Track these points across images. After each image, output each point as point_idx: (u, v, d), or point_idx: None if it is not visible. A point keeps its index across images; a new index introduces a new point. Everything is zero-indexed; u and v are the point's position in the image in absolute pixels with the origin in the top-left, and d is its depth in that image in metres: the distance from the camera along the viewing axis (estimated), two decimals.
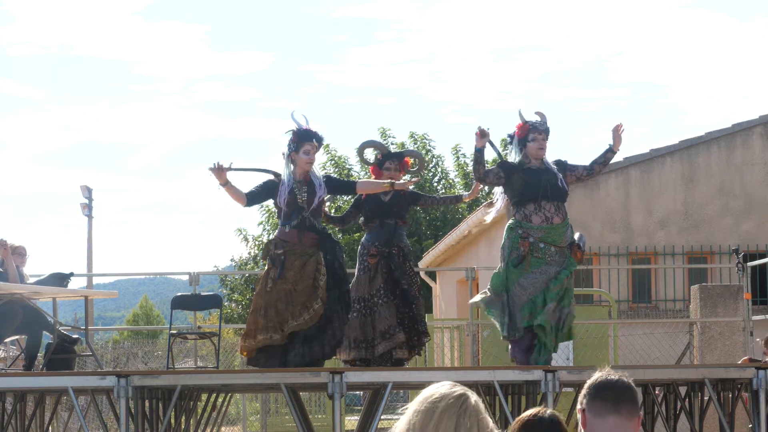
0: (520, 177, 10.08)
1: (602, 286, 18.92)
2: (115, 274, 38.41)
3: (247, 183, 10.33)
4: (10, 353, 18.50)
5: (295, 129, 10.11)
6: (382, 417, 10.43)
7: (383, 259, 10.80)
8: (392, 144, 34.18)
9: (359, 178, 26.07)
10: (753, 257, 16.16)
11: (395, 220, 10.92)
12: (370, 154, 11.53)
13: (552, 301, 9.94)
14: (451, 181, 35.30)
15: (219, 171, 9.85)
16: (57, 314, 12.61)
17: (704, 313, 15.49)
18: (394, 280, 10.77)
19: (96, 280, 28.29)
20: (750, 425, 10.51)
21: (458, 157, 35.59)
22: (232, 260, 38.97)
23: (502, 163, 10.31)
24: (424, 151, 35.08)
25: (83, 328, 14.13)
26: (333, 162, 34.45)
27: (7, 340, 13.54)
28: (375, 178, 10.95)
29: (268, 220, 34.80)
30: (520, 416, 3.74)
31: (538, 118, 10.28)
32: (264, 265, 10.32)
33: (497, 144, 10.43)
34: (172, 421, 11.02)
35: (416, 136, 35.62)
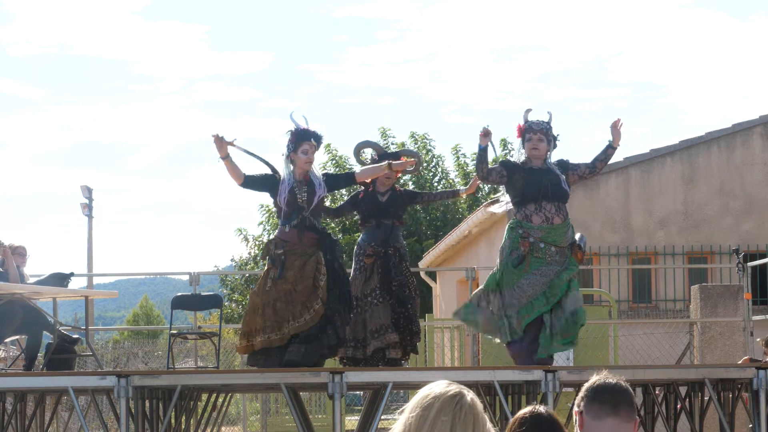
0: (521, 177, 10.08)
1: (602, 286, 18.92)
2: (116, 274, 38.54)
3: (249, 167, 10.28)
4: (10, 353, 18.50)
5: (293, 129, 10.11)
6: (382, 417, 10.42)
7: (379, 259, 10.80)
8: (392, 144, 34.18)
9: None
10: (753, 257, 16.17)
11: (392, 221, 10.92)
12: (367, 155, 11.52)
13: (557, 298, 9.91)
14: (451, 181, 35.30)
15: (221, 142, 9.85)
16: (57, 314, 12.61)
17: (704, 313, 15.49)
18: (390, 280, 10.76)
19: (96, 280, 28.29)
20: (750, 425, 10.51)
21: (458, 157, 35.60)
22: (232, 260, 39.00)
23: (504, 162, 10.31)
24: (424, 151, 35.08)
25: (83, 328, 14.14)
26: (334, 162, 34.44)
27: (7, 340, 13.54)
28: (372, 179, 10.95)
29: (269, 220, 34.80)
30: (517, 414, 3.74)
31: (545, 118, 10.27)
32: (264, 265, 10.31)
33: (497, 144, 10.44)
34: (173, 421, 11.01)
35: (416, 136, 35.62)
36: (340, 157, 34.62)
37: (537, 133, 10.16)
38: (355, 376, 9.70)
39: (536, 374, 9.69)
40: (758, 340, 13.98)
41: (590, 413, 3.70)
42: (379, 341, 10.65)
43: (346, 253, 20.53)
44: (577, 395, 3.86)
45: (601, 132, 11.14)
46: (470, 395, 3.38)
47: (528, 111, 10.23)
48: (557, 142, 10.33)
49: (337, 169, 33.78)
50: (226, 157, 9.94)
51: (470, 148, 35.52)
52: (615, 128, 10.25)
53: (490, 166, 10.19)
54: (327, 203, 10.78)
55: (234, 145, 9.97)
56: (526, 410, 3.73)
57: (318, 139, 10.18)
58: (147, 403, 10.48)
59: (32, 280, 12.56)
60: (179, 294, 13.03)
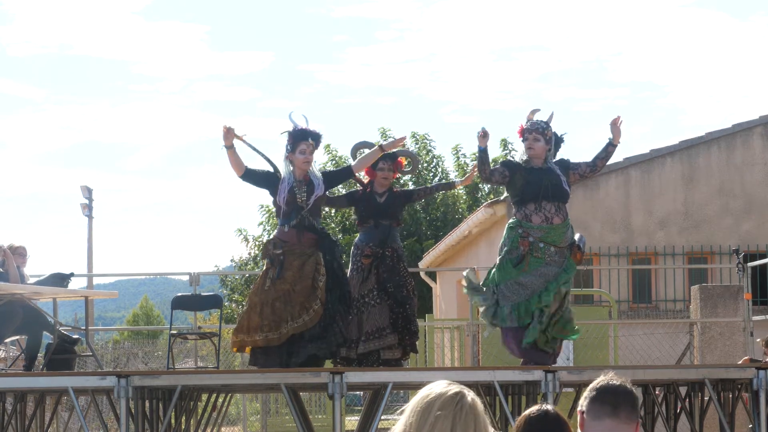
0: (522, 176, 10.09)
1: (602, 286, 18.92)
2: (115, 275, 38.35)
3: (252, 162, 10.29)
4: (10, 353, 18.50)
5: (290, 130, 10.11)
6: (382, 417, 10.43)
7: (377, 260, 10.79)
8: (391, 139, 34.13)
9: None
10: (753, 257, 16.16)
11: (390, 221, 10.91)
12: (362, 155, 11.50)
13: (548, 302, 9.94)
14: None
15: (228, 132, 9.87)
16: (57, 314, 12.61)
17: (704, 313, 15.49)
18: (387, 281, 10.75)
19: (96, 281, 28.30)
20: (750, 425, 10.51)
21: (458, 157, 35.59)
22: (232, 260, 38.98)
23: (506, 162, 10.32)
24: (424, 152, 35.09)
25: (83, 328, 14.13)
26: (333, 162, 34.44)
27: (7, 340, 13.54)
28: (368, 179, 10.95)
29: (268, 220, 34.79)
30: (524, 413, 3.75)
31: (547, 117, 10.28)
32: (263, 265, 10.31)
33: (497, 144, 10.44)
34: (172, 421, 11.01)
35: (417, 136, 35.63)
36: (340, 158, 34.62)
37: (532, 133, 10.18)
38: (355, 376, 9.70)
39: (536, 374, 9.69)
40: (758, 340, 13.98)
41: (591, 413, 3.71)
42: (376, 343, 10.64)
43: (346, 253, 20.54)
44: (579, 394, 3.87)
45: (601, 132, 11.11)
46: (471, 395, 3.38)
47: (534, 111, 10.23)
48: (562, 141, 10.33)
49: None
50: (230, 147, 9.96)
51: (470, 148, 35.56)
52: (615, 126, 10.26)
53: (491, 167, 10.19)
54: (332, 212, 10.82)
55: (242, 140, 9.98)
56: (533, 409, 3.74)
57: (316, 138, 10.16)
58: (147, 404, 10.48)
59: (32, 280, 12.56)
60: (179, 294, 13.03)
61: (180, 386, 9.92)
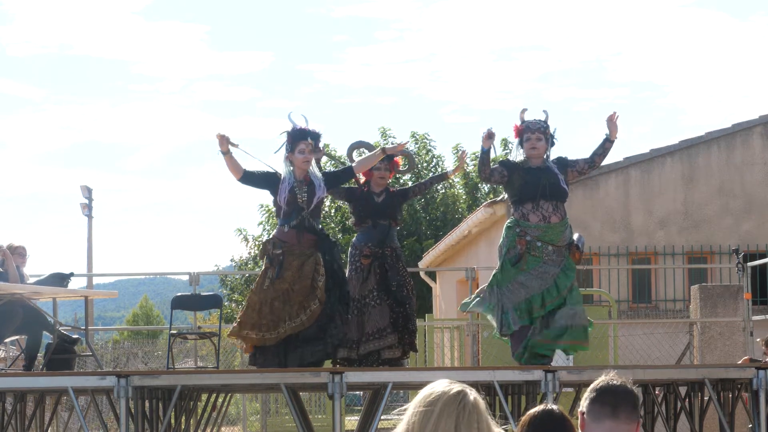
0: (519, 176, 10.10)
1: (602, 286, 18.92)
2: (115, 274, 38.51)
3: (250, 165, 10.29)
4: (10, 353, 18.49)
5: (288, 130, 10.11)
6: (382, 417, 10.43)
7: (377, 260, 10.78)
8: (392, 144, 34.14)
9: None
10: (753, 257, 16.16)
11: (388, 221, 10.91)
12: (359, 155, 11.50)
13: (552, 306, 9.94)
14: (451, 181, 35.30)
15: (222, 139, 9.88)
16: (57, 314, 12.61)
17: (704, 313, 15.49)
18: (387, 281, 10.75)
19: (96, 280, 28.30)
20: (750, 425, 10.51)
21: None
22: (232, 260, 39.01)
23: (504, 162, 10.33)
24: (424, 151, 35.08)
25: (83, 328, 14.14)
26: (333, 162, 34.44)
27: (7, 340, 13.54)
28: (365, 179, 10.95)
29: (268, 220, 34.79)
30: (528, 412, 3.74)
31: (542, 117, 10.28)
32: (262, 264, 10.31)
33: (497, 144, 10.45)
34: (172, 421, 11.01)
35: (417, 136, 35.62)
36: (339, 157, 34.61)
37: (535, 133, 10.18)
38: (355, 376, 9.69)
39: (536, 374, 9.69)
40: (758, 340, 13.97)
41: (590, 414, 3.70)
42: (376, 343, 10.64)
43: (346, 253, 20.52)
44: (579, 393, 3.86)
45: (601, 132, 11.08)
46: (473, 394, 3.37)
47: (524, 111, 10.25)
48: (555, 141, 10.35)
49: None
50: (226, 153, 9.96)
51: (470, 148, 35.49)
52: (611, 121, 10.27)
53: (491, 167, 10.20)
54: (333, 212, 10.85)
55: (237, 147, 9.98)
56: (537, 408, 3.73)
57: (315, 137, 10.17)
58: (147, 403, 10.47)
59: (32, 280, 12.56)
60: (179, 294, 13.03)
61: (180, 386, 9.92)
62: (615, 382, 3.75)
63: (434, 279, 26.71)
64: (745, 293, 14.66)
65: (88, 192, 34.55)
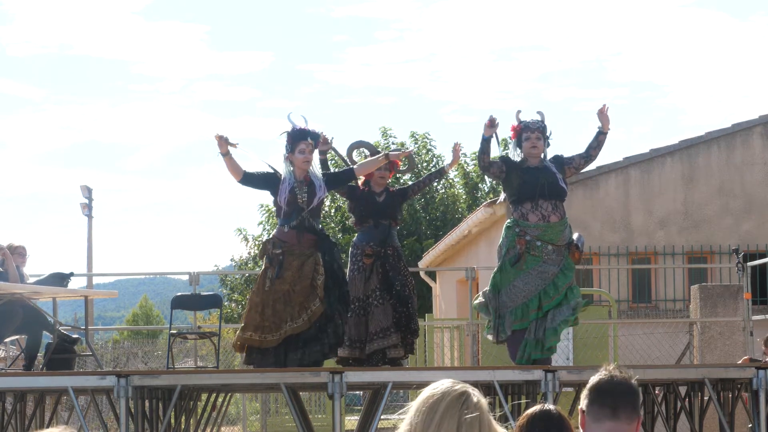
0: (518, 175, 10.10)
1: (602, 286, 18.91)
2: (115, 274, 38.50)
3: (249, 166, 10.28)
4: (10, 353, 18.50)
5: (288, 131, 10.12)
6: (382, 417, 10.43)
7: (379, 259, 10.79)
8: (393, 144, 34.18)
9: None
10: (753, 257, 16.16)
11: (389, 221, 10.92)
12: (359, 155, 11.53)
13: (549, 306, 9.94)
14: (451, 180, 35.31)
15: (221, 141, 9.89)
16: (57, 314, 12.61)
17: (704, 313, 15.49)
18: (389, 280, 10.76)
19: (96, 280, 28.29)
20: (750, 425, 10.51)
21: (458, 161, 35.58)
22: (232, 260, 39.01)
23: (505, 158, 10.32)
24: (424, 151, 35.08)
25: (83, 328, 14.14)
26: (333, 162, 34.42)
27: (7, 340, 13.54)
28: (365, 179, 10.95)
29: (268, 220, 34.79)
30: (526, 412, 3.74)
31: (539, 117, 10.29)
32: (262, 264, 10.31)
33: (495, 146, 10.42)
34: (172, 421, 11.01)
35: (417, 136, 35.63)
36: (334, 163, 34.61)
37: (534, 132, 10.19)
38: (355, 376, 9.70)
39: (536, 374, 9.69)
40: (758, 339, 13.97)
41: (590, 414, 3.70)
42: (380, 343, 10.64)
43: (346, 253, 20.52)
44: (579, 393, 3.85)
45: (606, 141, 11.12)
46: (476, 394, 3.37)
47: (519, 112, 10.27)
48: (550, 141, 10.37)
49: (336, 170, 33.79)
50: (226, 154, 9.96)
51: (470, 148, 35.52)
52: (602, 114, 10.28)
53: (492, 159, 10.20)
54: (332, 212, 10.89)
55: (236, 147, 9.98)
56: (535, 408, 3.73)
57: (315, 138, 10.18)
58: (147, 403, 10.47)
59: (32, 280, 12.56)
60: (179, 294, 13.03)
61: (180, 386, 9.92)
62: (615, 378, 3.72)
63: (434, 279, 26.71)
64: (745, 293, 14.66)
65: (88, 192, 34.55)
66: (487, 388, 10.20)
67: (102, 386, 9.92)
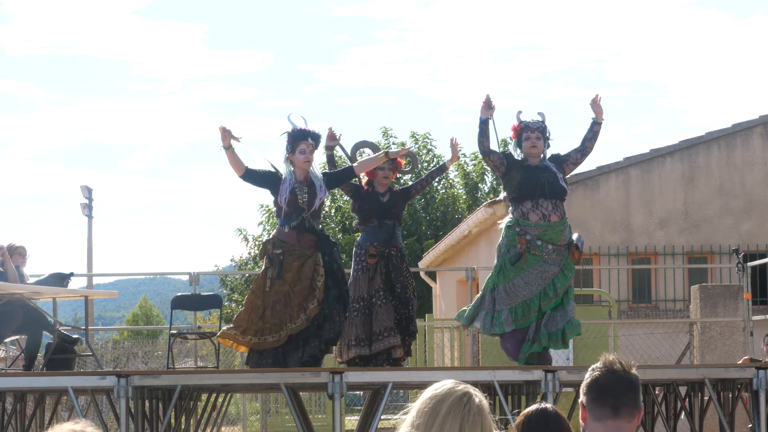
0: (518, 173, 10.09)
1: (602, 286, 18.91)
2: (115, 274, 38.47)
3: (252, 162, 10.28)
4: (10, 353, 18.50)
5: (288, 131, 10.12)
6: (382, 417, 10.43)
7: (383, 259, 10.78)
8: (393, 144, 34.18)
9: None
10: (753, 257, 16.16)
11: (393, 221, 10.92)
12: (360, 155, 11.51)
13: (547, 308, 9.95)
14: (451, 180, 35.31)
15: (225, 133, 9.88)
16: (57, 314, 12.61)
17: (704, 313, 15.49)
18: (392, 280, 10.75)
19: (96, 280, 28.27)
20: (750, 425, 10.51)
21: (458, 157, 35.57)
22: (232, 260, 39.01)
23: (508, 154, 10.31)
24: (424, 151, 35.08)
25: (83, 328, 14.13)
26: (339, 157, 34.48)
27: (7, 340, 13.54)
28: (368, 179, 10.95)
29: (268, 220, 34.79)
30: (524, 411, 3.74)
31: (539, 118, 10.29)
32: (262, 264, 10.30)
33: (498, 140, 10.40)
34: (172, 421, 11.01)
35: (417, 136, 35.63)
36: (339, 158, 34.60)
37: (535, 132, 10.19)
38: (355, 376, 9.70)
39: (536, 374, 9.69)
40: (765, 337, 13.95)
41: (591, 413, 3.69)
42: (384, 342, 10.64)
43: (346, 253, 20.54)
44: (579, 395, 3.84)
45: (601, 132, 11.15)
46: (478, 395, 3.36)
47: (520, 113, 10.26)
48: (550, 142, 10.36)
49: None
50: (228, 148, 9.96)
51: (470, 148, 35.57)
52: (595, 104, 10.27)
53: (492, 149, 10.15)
54: (333, 213, 10.89)
55: (239, 141, 9.99)
56: (533, 407, 3.73)
57: (315, 138, 10.18)
58: (147, 403, 10.48)
59: (32, 280, 12.56)
60: (179, 294, 13.04)
61: (180, 386, 9.92)
62: (615, 374, 3.66)
63: (434, 279, 26.71)
64: (745, 293, 14.65)
65: (88, 192, 34.54)
66: (487, 388, 10.21)
67: (102, 386, 9.92)
